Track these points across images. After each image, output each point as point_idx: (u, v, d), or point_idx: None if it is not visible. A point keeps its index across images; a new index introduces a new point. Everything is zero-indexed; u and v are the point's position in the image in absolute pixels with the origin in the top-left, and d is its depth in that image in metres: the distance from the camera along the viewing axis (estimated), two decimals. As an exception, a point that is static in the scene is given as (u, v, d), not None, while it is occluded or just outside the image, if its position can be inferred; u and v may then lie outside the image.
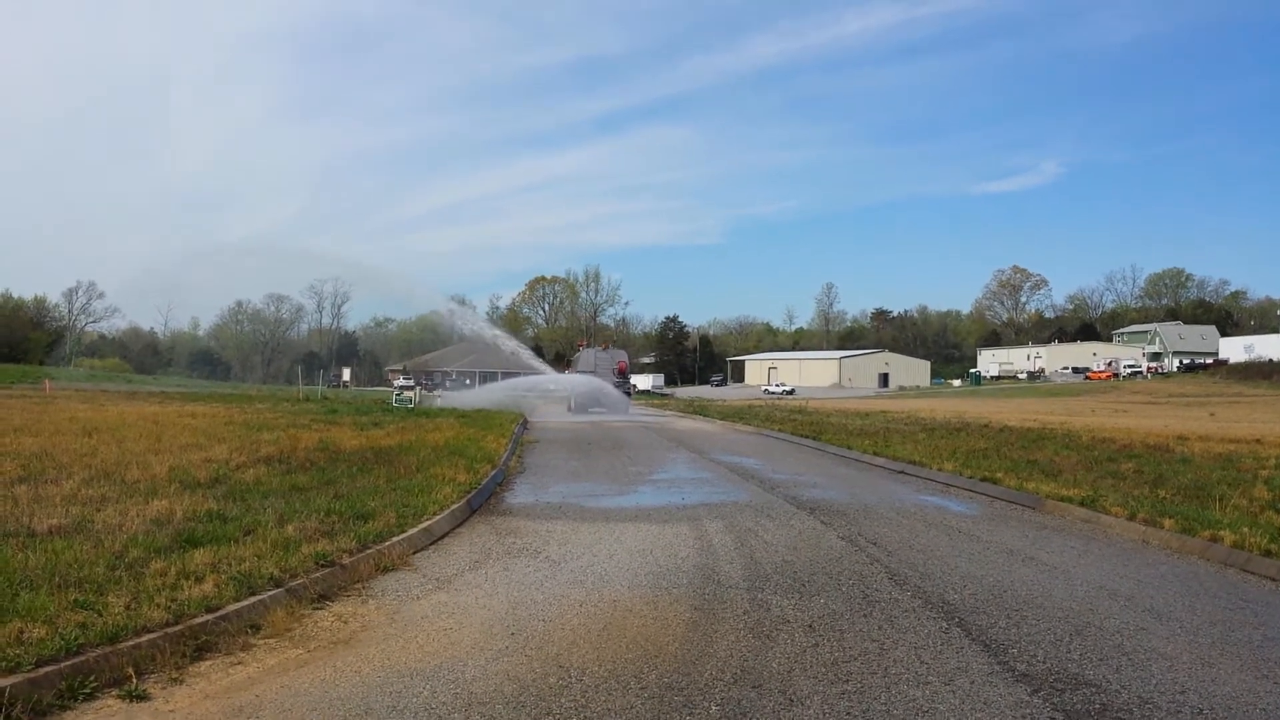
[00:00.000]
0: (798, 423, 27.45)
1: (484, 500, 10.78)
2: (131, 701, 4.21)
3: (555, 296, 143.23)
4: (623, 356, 47.57)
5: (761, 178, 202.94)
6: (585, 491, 12.10)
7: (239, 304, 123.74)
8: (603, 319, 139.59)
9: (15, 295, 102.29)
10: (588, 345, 55.08)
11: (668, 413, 41.63)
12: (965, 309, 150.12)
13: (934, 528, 9.40)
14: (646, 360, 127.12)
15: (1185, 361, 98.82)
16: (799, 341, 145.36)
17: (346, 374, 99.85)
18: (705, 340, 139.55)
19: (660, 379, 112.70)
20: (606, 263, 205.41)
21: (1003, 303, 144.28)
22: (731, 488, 12.52)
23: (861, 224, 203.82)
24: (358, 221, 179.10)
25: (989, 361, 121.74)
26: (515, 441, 19.35)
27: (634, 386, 63.79)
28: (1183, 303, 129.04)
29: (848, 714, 4.20)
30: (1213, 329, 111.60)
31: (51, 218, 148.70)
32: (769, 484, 12.93)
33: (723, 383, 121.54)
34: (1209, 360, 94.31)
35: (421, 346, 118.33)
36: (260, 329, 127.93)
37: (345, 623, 5.58)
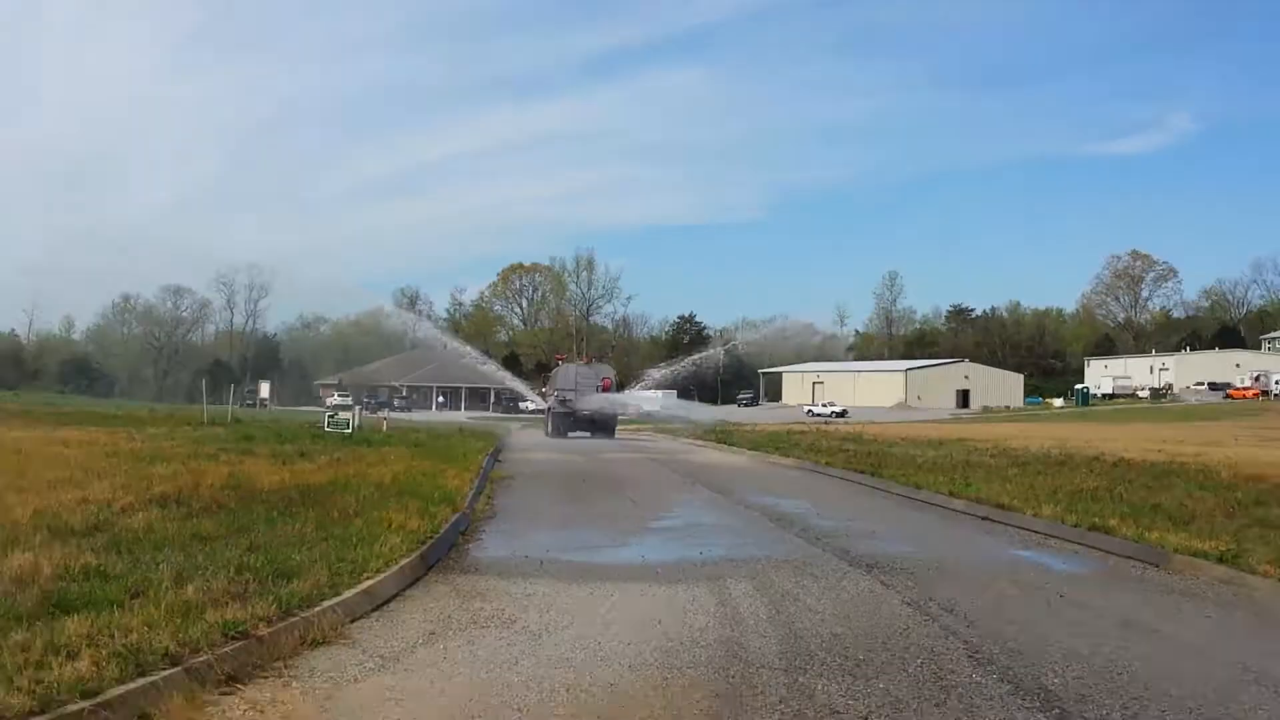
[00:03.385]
0: (851, 454, 27.46)
1: (443, 553, 10.79)
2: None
3: (536, 289, 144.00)
4: (608, 372, 49.09)
5: (803, 136, 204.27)
6: (574, 542, 12.11)
7: (125, 299, 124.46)
8: (598, 318, 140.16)
9: None
10: (567, 359, 55.76)
11: (680, 440, 41.68)
12: (1070, 307, 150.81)
13: (1027, 590, 9.38)
14: (658, 373, 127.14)
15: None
16: (853, 348, 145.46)
17: (265, 389, 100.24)
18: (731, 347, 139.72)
19: (673, 396, 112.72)
20: (602, 247, 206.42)
21: (1119, 299, 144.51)
22: (763, 537, 12.54)
23: (935, 195, 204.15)
24: (288, 193, 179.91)
25: (1100, 375, 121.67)
26: (484, 477, 19.43)
27: (638, 408, 64.42)
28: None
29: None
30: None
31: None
32: (813, 533, 12.93)
33: (753, 401, 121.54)
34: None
35: (363, 354, 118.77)
36: (153, 331, 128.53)
37: (262, 712, 5.59)
